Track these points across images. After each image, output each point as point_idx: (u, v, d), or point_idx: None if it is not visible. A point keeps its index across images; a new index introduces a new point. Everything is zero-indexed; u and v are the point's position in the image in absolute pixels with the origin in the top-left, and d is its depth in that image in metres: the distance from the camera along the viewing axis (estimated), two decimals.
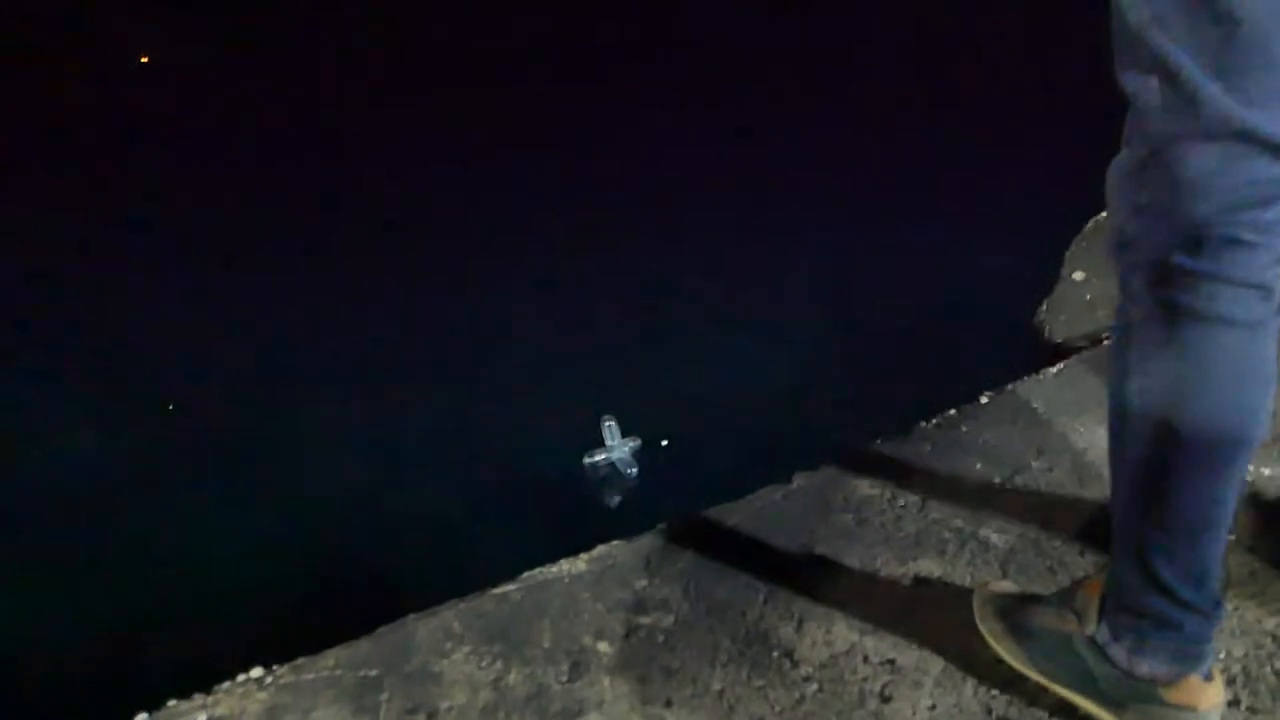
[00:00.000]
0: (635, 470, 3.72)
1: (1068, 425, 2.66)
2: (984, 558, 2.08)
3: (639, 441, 3.86)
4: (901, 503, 2.32)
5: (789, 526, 2.25)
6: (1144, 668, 1.44)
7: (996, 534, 2.17)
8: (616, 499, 3.59)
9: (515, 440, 3.57)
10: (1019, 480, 2.39)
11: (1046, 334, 4.08)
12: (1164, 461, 1.29)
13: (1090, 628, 1.50)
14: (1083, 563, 2.07)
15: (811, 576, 2.05)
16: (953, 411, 2.77)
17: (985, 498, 2.32)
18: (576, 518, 3.35)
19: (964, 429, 2.68)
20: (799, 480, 2.45)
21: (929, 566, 2.06)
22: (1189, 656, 1.42)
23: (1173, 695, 1.43)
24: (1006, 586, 1.86)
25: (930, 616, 1.89)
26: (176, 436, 3.92)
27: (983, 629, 1.71)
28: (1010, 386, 2.94)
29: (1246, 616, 1.87)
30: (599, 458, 3.73)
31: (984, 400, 2.85)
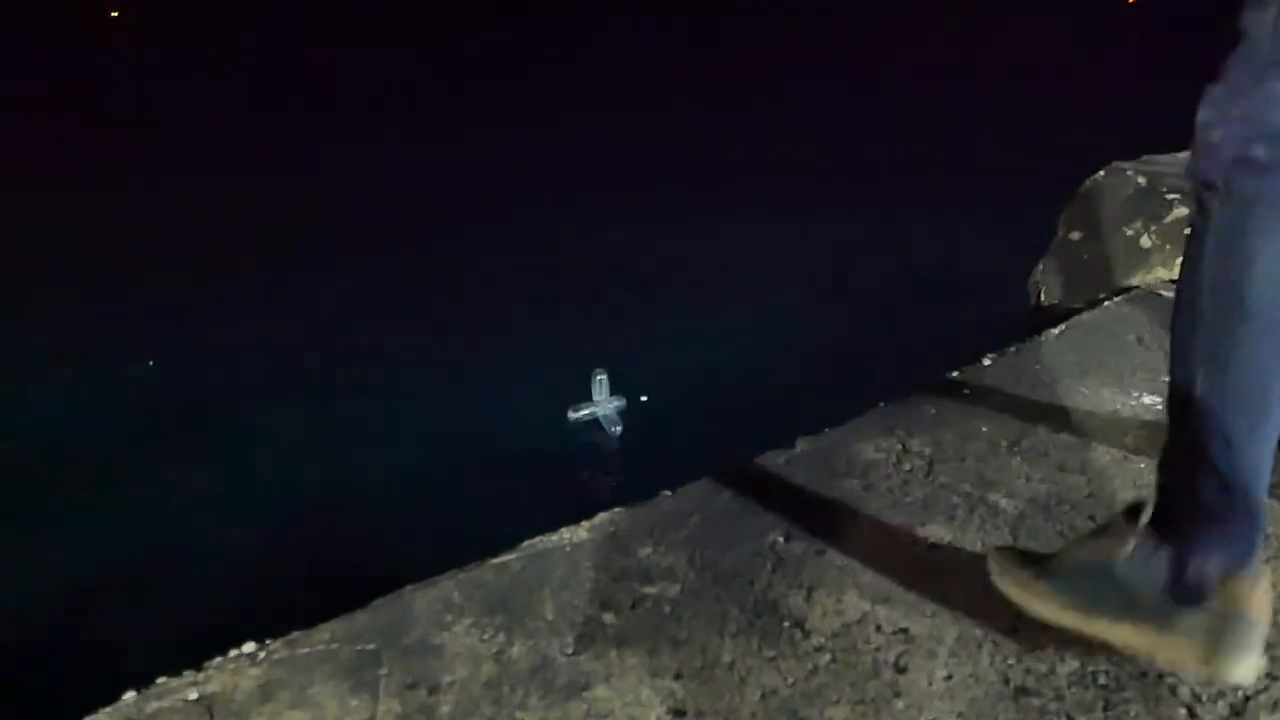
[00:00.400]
0: (619, 429, 3.66)
1: (1072, 388, 2.63)
2: (994, 523, 2.05)
3: (623, 401, 3.80)
4: (908, 467, 2.28)
5: (794, 492, 2.20)
6: (1191, 570, 1.43)
7: (1006, 499, 2.13)
8: (618, 464, 3.55)
9: (510, 407, 3.51)
10: (1026, 443, 2.35)
11: (1044, 295, 4.04)
12: (1231, 336, 1.39)
13: (1129, 549, 1.49)
14: (1091, 526, 2.04)
15: (819, 543, 2.00)
16: (956, 374, 2.73)
17: (993, 461, 2.28)
18: (576, 484, 3.31)
19: (967, 391, 2.63)
20: (802, 444, 2.40)
21: (939, 532, 2.02)
22: (1237, 553, 1.42)
23: (1221, 599, 1.41)
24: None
25: (943, 583, 1.85)
26: (167, 410, 3.82)
27: (1004, 583, 1.66)
28: (1013, 348, 2.90)
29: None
30: (584, 413, 3.66)
31: (987, 362, 2.81)
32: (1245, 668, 1.41)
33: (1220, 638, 1.40)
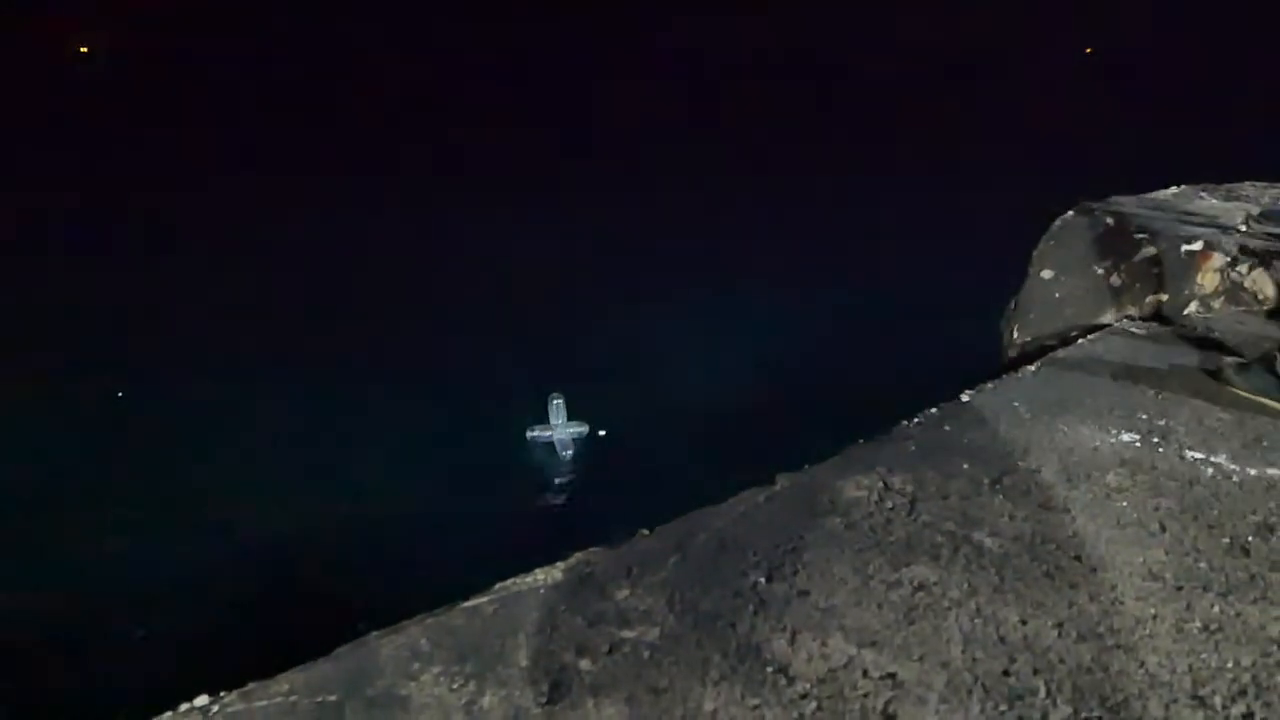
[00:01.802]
0: (570, 453, 3.59)
1: (1051, 425, 2.61)
2: (979, 562, 2.00)
3: (585, 427, 3.72)
4: (890, 505, 2.23)
5: (775, 531, 2.14)
6: None
7: (990, 537, 2.09)
8: (594, 501, 3.47)
9: (482, 444, 3.41)
10: (1008, 481, 2.32)
11: (1016, 332, 4.06)
12: None
13: None
14: (1078, 566, 2.00)
15: (802, 584, 1.94)
16: (935, 410, 2.70)
17: (975, 499, 2.24)
18: (551, 522, 3.21)
19: (947, 428, 2.61)
20: (782, 482, 2.35)
21: (924, 572, 1.97)
22: None
23: None
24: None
25: (930, 626, 1.79)
26: (120, 453, 3.66)
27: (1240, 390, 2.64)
28: (990, 385, 2.88)
29: (1250, 623, 1.81)
30: (539, 434, 3.58)
31: (965, 399, 2.79)
32: None
33: None
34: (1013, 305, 4.20)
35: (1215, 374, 2.87)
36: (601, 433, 3.55)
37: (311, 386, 3.94)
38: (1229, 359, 2.92)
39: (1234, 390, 2.78)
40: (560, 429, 3.72)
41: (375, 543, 2.82)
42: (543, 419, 3.63)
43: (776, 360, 3.67)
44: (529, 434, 3.49)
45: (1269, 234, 3.92)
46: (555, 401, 3.72)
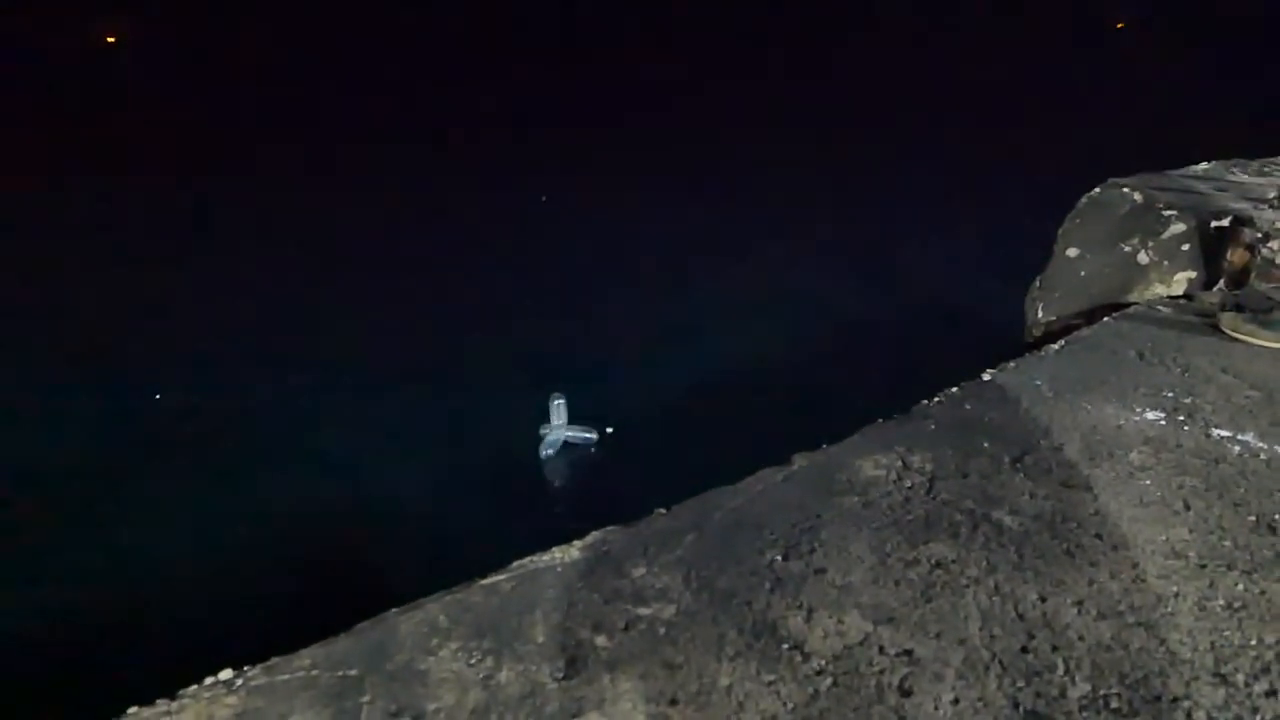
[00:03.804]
0: (591, 438, 3.58)
1: (1074, 404, 2.58)
2: (998, 540, 1.99)
3: (593, 434, 3.72)
4: (909, 484, 2.22)
5: (792, 509, 2.13)
6: None
7: (1010, 516, 2.08)
8: (612, 481, 3.48)
9: (502, 426, 3.44)
10: (1029, 460, 2.29)
11: (1042, 311, 4.01)
12: None
13: None
14: (1100, 544, 1.98)
15: (819, 562, 1.94)
16: (956, 389, 2.68)
17: (995, 478, 2.22)
18: (569, 502, 3.23)
19: (968, 407, 2.58)
20: (800, 461, 2.34)
21: (942, 550, 1.96)
22: None
23: None
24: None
25: (948, 603, 1.78)
26: (140, 430, 3.73)
27: (1234, 331, 2.83)
28: (1013, 364, 2.85)
29: (1275, 600, 1.78)
30: (553, 435, 3.59)
31: (986, 378, 2.76)
32: None
33: None
34: (1038, 284, 4.14)
35: (1233, 326, 2.90)
36: (609, 430, 3.55)
37: (332, 374, 4.00)
38: (1246, 313, 2.94)
39: (1260, 343, 2.81)
40: (561, 430, 3.71)
41: (395, 524, 2.87)
42: (555, 404, 3.68)
43: (797, 342, 3.64)
44: (542, 432, 3.52)
45: None
46: (556, 402, 3.71)
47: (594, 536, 2.08)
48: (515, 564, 1.99)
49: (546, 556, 2.00)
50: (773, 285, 4.22)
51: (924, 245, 4.43)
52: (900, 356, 3.75)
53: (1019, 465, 2.28)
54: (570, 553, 2.02)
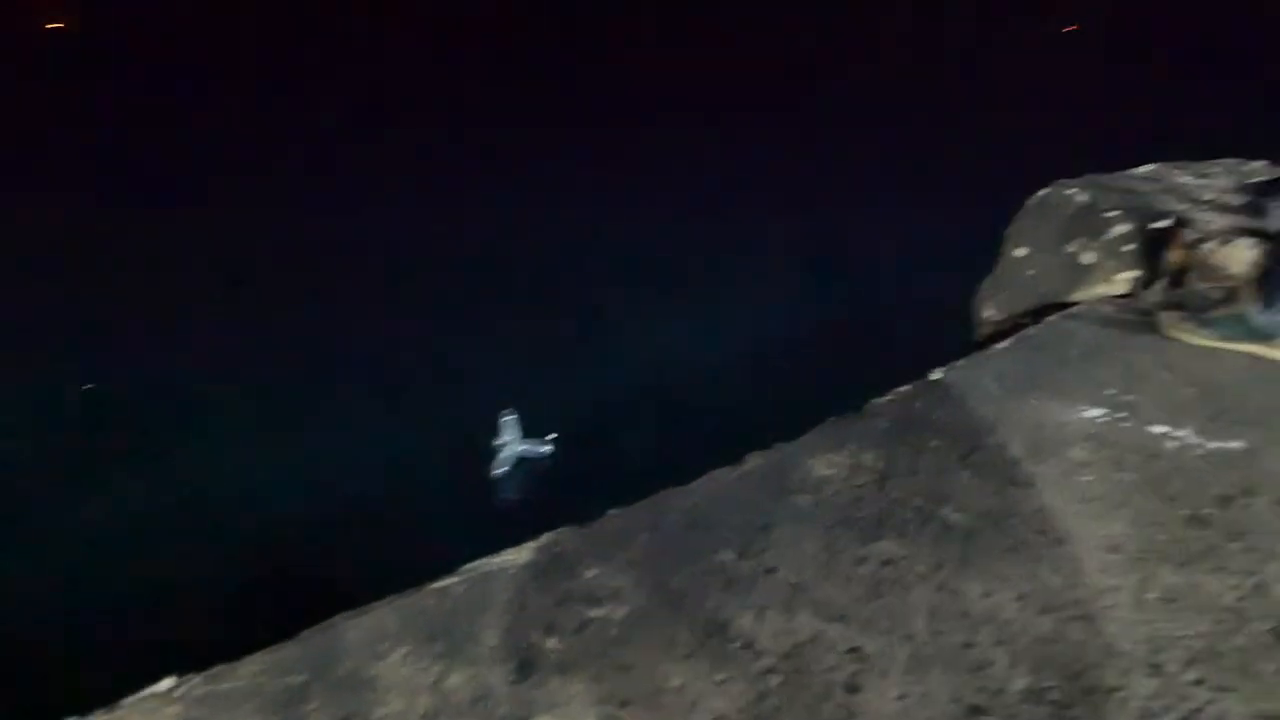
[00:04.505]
0: (545, 453, 3.57)
1: (1020, 401, 2.63)
2: (946, 537, 2.02)
3: (549, 447, 3.69)
4: (860, 482, 2.25)
5: (745, 508, 2.15)
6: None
7: (957, 512, 2.12)
8: (565, 482, 3.47)
9: (454, 428, 3.41)
10: (976, 457, 2.34)
11: (990, 311, 4.08)
12: None
13: (1255, 307, 2.82)
14: (1042, 540, 2.03)
15: (771, 561, 1.96)
16: (906, 388, 2.72)
17: (944, 475, 2.26)
18: (522, 503, 3.21)
19: (918, 405, 2.62)
20: (752, 460, 2.36)
21: (891, 548, 1.99)
22: None
23: None
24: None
25: (896, 601, 1.82)
26: (85, 433, 3.63)
27: (1172, 331, 2.90)
28: (960, 363, 2.90)
29: (1206, 591, 1.85)
30: (508, 450, 3.58)
31: (936, 377, 2.80)
32: None
33: None
34: (987, 284, 4.22)
35: (1171, 325, 2.98)
36: (557, 438, 3.54)
37: (283, 384, 3.94)
38: (1183, 312, 3.03)
39: (1198, 342, 2.90)
40: (515, 444, 3.68)
41: (344, 529, 2.83)
42: (505, 420, 3.67)
43: (749, 341, 3.68)
44: (495, 445, 3.50)
45: (1237, 210, 3.95)
46: (508, 418, 3.68)
47: (547, 538, 2.07)
48: (467, 567, 1.98)
49: (499, 559, 1.99)
50: (727, 285, 4.26)
51: (877, 244, 4.51)
52: (854, 354, 3.80)
53: (966, 462, 2.33)
54: (522, 554, 2.01)
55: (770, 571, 1.93)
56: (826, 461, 2.33)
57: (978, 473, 2.28)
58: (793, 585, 1.89)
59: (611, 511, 2.14)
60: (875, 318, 4.02)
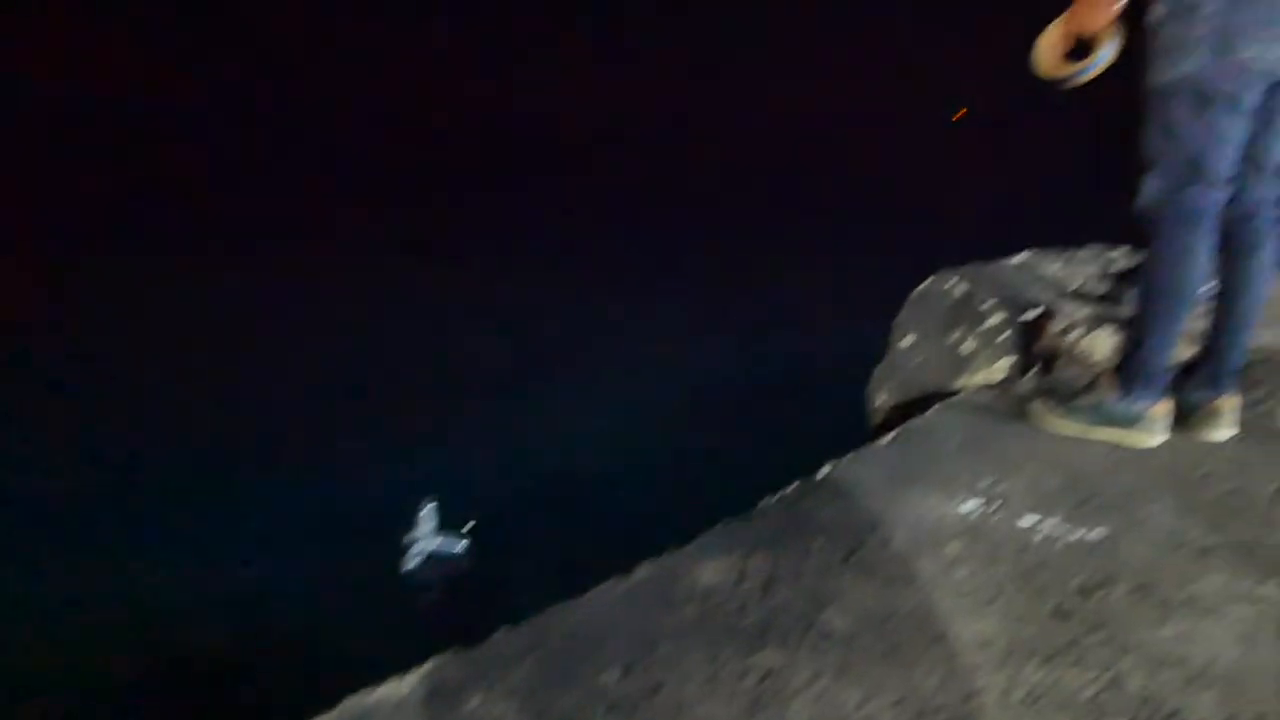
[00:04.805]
0: (458, 551, 3.53)
1: (902, 495, 2.74)
2: (824, 645, 2.07)
3: (462, 542, 3.68)
4: (746, 587, 2.29)
5: (632, 623, 2.16)
6: (1141, 404, 2.97)
7: (838, 616, 2.17)
8: (453, 601, 3.42)
9: (338, 541, 3.33)
10: (856, 558, 2.41)
11: (881, 400, 4.25)
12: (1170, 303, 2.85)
13: (1113, 395, 3.01)
14: (918, 640, 2.09)
15: (655, 679, 1.96)
16: (794, 487, 2.80)
17: (827, 578, 2.32)
18: (408, 626, 3.14)
19: (804, 505, 2.70)
20: (642, 570, 2.38)
21: (772, 659, 2.02)
22: (1158, 396, 2.98)
23: (1150, 415, 2.98)
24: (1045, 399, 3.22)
25: (775, 714, 1.84)
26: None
27: (1040, 419, 3.15)
28: (847, 459, 3.01)
29: (1066, 687, 1.93)
30: (418, 546, 3.53)
31: (823, 473, 2.90)
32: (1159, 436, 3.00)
33: (1154, 428, 2.99)
34: (879, 372, 4.40)
35: (1038, 414, 3.19)
36: (466, 531, 3.52)
37: (183, 469, 3.80)
38: (1050, 401, 3.21)
39: (1065, 430, 3.07)
40: (433, 538, 3.66)
41: (235, 647, 2.71)
42: (421, 513, 3.63)
43: (641, 443, 3.74)
44: (404, 542, 3.46)
45: (1099, 299, 4.26)
46: (426, 508, 3.66)
47: (431, 665, 2.04)
48: (345, 702, 1.92)
49: (379, 692, 1.95)
50: (611, 387, 4.34)
51: (773, 337, 4.67)
52: (750, 446, 3.89)
53: (849, 562, 2.40)
54: (404, 686, 1.97)
55: (655, 690, 1.94)
56: (714, 568, 2.36)
57: (860, 573, 2.35)
58: (676, 704, 1.89)
59: (497, 634, 2.12)
60: (776, 407, 4.13)
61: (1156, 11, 2.67)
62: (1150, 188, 2.77)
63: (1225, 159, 2.70)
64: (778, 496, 2.75)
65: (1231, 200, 2.79)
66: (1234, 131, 2.66)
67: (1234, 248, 2.91)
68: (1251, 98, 2.63)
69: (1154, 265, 2.85)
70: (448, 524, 3.49)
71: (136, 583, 3.00)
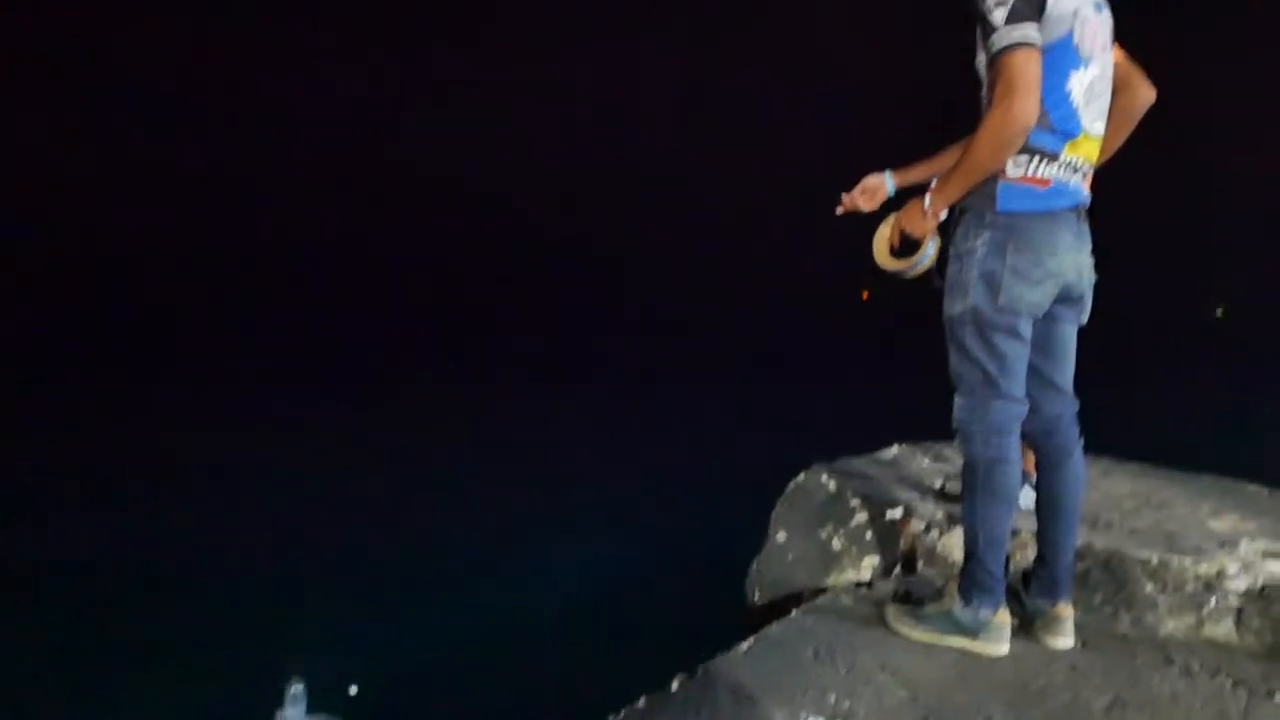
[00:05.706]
0: None
1: (748, 713, 2.71)
2: None
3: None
4: None
5: None
6: (983, 612, 3.07)
7: None
8: None
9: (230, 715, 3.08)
10: None
11: (758, 595, 4.27)
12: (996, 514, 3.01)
13: (957, 604, 3.11)
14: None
15: None
16: (641, 703, 2.74)
17: None
18: None
19: None
20: None
21: None
22: (998, 604, 3.08)
23: (994, 623, 3.07)
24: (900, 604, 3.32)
25: None
26: None
27: (894, 626, 3.24)
28: (701, 668, 2.98)
29: None
30: None
31: (674, 687, 2.86)
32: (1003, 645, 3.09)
33: (998, 635, 3.08)
34: (755, 566, 4.44)
35: (893, 620, 3.26)
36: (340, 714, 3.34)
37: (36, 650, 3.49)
38: (904, 607, 3.28)
39: (916, 637, 3.11)
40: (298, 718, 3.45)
41: None
42: (292, 692, 3.40)
43: (509, 645, 3.65)
44: None
45: (957, 498, 4.45)
46: (294, 689, 3.45)
47: None
48: None
49: None
50: (481, 589, 4.27)
51: (661, 528, 4.70)
52: (621, 655, 3.83)
53: None
54: None
55: None
56: None
57: None
58: None
59: None
60: (653, 602, 4.10)
61: (952, 249, 3.01)
62: (959, 404, 3.00)
63: (1016, 379, 2.93)
64: (624, 712, 2.69)
65: (1033, 414, 3.04)
66: (1017, 357, 2.92)
67: (1043, 461, 3.15)
68: (1026, 328, 2.91)
69: (970, 475, 3.01)
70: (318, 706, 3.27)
71: None
